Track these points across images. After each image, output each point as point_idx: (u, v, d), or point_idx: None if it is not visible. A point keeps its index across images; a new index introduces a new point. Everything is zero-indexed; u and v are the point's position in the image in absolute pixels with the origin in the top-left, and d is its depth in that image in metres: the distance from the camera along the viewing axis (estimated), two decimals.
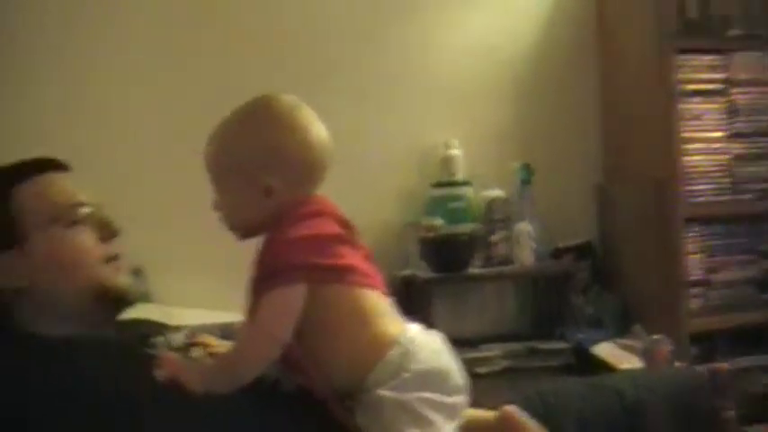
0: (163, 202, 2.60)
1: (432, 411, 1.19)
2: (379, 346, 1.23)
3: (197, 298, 2.45)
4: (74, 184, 1.38)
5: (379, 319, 1.27)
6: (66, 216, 1.33)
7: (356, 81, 2.87)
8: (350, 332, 1.25)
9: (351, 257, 1.28)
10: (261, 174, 1.27)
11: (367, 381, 1.21)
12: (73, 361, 1.19)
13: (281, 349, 1.23)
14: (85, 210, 1.35)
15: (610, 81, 3.02)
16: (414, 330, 1.28)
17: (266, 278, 1.23)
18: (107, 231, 1.38)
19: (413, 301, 2.71)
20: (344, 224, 1.33)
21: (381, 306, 1.30)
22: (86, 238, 1.34)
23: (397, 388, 1.20)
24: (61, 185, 1.37)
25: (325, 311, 1.24)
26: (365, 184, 2.83)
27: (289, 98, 1.36)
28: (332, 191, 2.75)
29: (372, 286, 1.30)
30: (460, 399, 1.26)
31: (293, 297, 1.22)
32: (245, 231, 1.32)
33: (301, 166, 1.30)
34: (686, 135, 2.73)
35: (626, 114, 2.93)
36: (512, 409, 1.33)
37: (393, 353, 1.22)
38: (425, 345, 1.26)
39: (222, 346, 1.43)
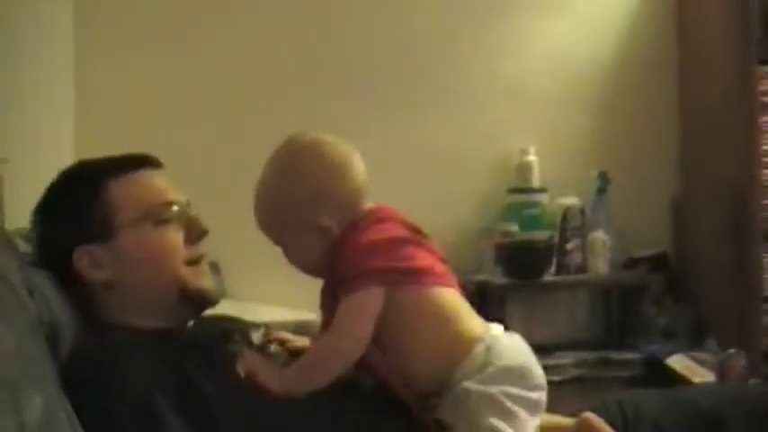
0: (239, 198, 2.68)
1: (515, 405, 1.22)
2: (464, 342, 1.26)
3: (271, 295, 2.52)
4: (165, 182, 1.40)
5: (461, 316, 1.30)
6: (157, 215, 1.34)
7: (436, 86, 2.92)
8: (432, 331, 1.28)
9: (424, 259, 1.30)
10: (315, 218, 1.32)
11: (453, 376, 1.24)
12: (159, 353, 1.22)
13: (361, 350, 1.26)
14: (175, 209, 1.36)
15: (689, 91, 2.99)
16: (496, 329, 1.31)
17: (344, 282, 1.27)
18: (195, 232, 1.38)
19: (486, 307, 2.73)
20: (412, 228, 1.35)
21: (461, 304, 1.32)
22: (174, 238, 1.35)
23: (483, 381, 1.22)
24: (154, 183, 1.38)
25: (404, 313, 1.27)
26: (442, 187, 2.88)
27: (314, 136, 1.41)
28: (409, 193, 2.83)
29: (449, 285, 1.32)
30: (542, 395, 1.28)
31: (372, 300, 1.26)
32: (319, 271, 1.36)
33: (349, 197, 1.35)
34: (766, 148, 2.69)
35: (705, 125, 2.89)
36: (591, 415, 1.35)
37: (478, 349, 1.25)
38: (508, 342, 1.29)
39: (299, 340, 1.47)
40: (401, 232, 1.32)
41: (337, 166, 1.36)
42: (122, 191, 1.34)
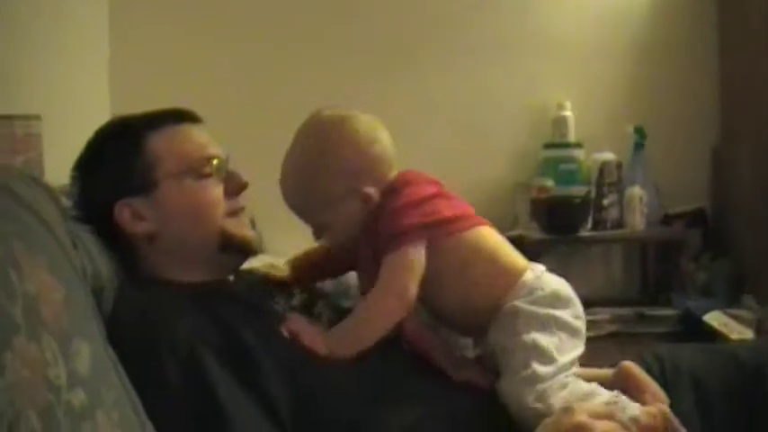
0: (274, 155, 2.70)
1: (559, 328, 1.31)
2: (514, 271, 1.36)
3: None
4: (205, 137, 1.41)
5: (506, 250, 1.41)
6: (198, 168, 1.35)
7: (471, 39, 2.88)
8: (482, 269, 1.36)
9: (456, 207, 1.39)
10: (359, 188, 1.38)
11: (504, 300, 1.33)
12: (202, 306, 1.24)
13: (407, 308, 1.30)
14: (215, 163, 1.38)
15: (728, 41, 2.92)
16: (539, 266, 1.40)
17: (384, 244, 1.31)
18: (235, 185, 1.40)
19: None
20: (437, 184, 1.43)
21: (503, 241, 1.43)
22: (216, 191, 1.37)
23: (532, 302, 1.31)
24: (195, 137, 1.39)
25: (451, 260, 1.35)
26: (477, 142, 2.87)
27: (338, 111, 1.45)
28: (445, 148, 2.82)
29: (486, 224, 1.42)
30: (583, 326, 1.36)
31: (415, 256, 1.31)
32: (351, 242, 1.41)
33: (384, 165, 1.42)
34: None
35: (744, 76, 2.83)
36: (630, 364, 1.38)
37: (526, 277, 1.35)
38: (552, 278, 1.39)
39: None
40: (430, 190, 1.39)
41: (371, 137, 1.42)
42: (163, 144, 1.36)
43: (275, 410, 1.16)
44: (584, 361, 1.36)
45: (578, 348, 1.33)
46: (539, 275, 1.36)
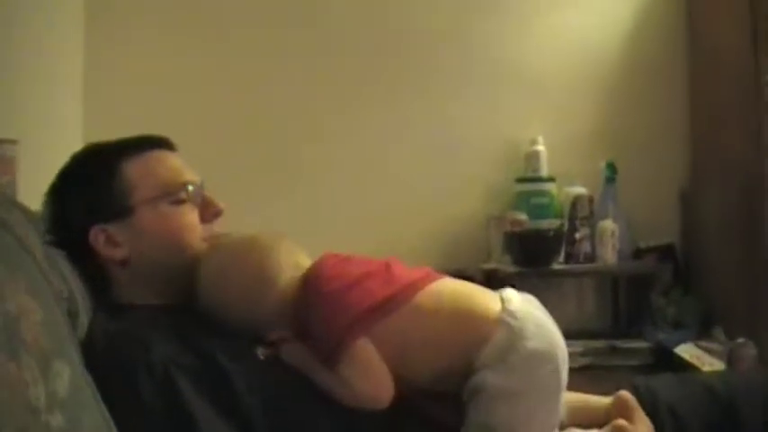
0: (248, 176, 2.71)
1: (533, 399, 1.20)
2: (482, 331, 1.22)
3: None
4: (180, 163, 1.40)
5: (469, 305, 1.26)
6: (173, 193, 1.35)
7: (447, 76, 2.91)
8: (444, 332, 1.24)
9: (390, 278, 1.27)
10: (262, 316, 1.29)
11: (475, 364, 1.21)
12: (177, 330, 1.23)
13: (389, 398, 1.22)
14: (191, 188, 1.37)
15: (698, 81, 2.98)
16: (509, 295, 1.29)
17: (328, 354, 1.22)
18: (211, 211, 1.40)
19: None
20: (349, 258, 1.32)
21: (460, 290, 1.29)
22: (191, 216, 1.36)
23: (504, 372, 1.19)
24: (170, 163, 1.39)
25: (407, 335, 1.24)
26: (450, 176, 2.89)
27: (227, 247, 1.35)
28: (417, 183, 2.83)
29: (433, 280, 1.29)
30: (564, 374, 1.25)
31: (363, 354, 1.22)
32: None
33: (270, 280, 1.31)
34: None
35: (714, 115, 2.88)
36: (627, 394, 1.35)
37: (498, 337, 1.21)
38: (525, 312, 1.26)
39: None
40: (355, 270, 1.28)
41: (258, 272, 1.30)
42: (138, 170, 1.35)
43: None
44: None
45: (553, 414, 1.24)
46: (513, 327, 1.22)
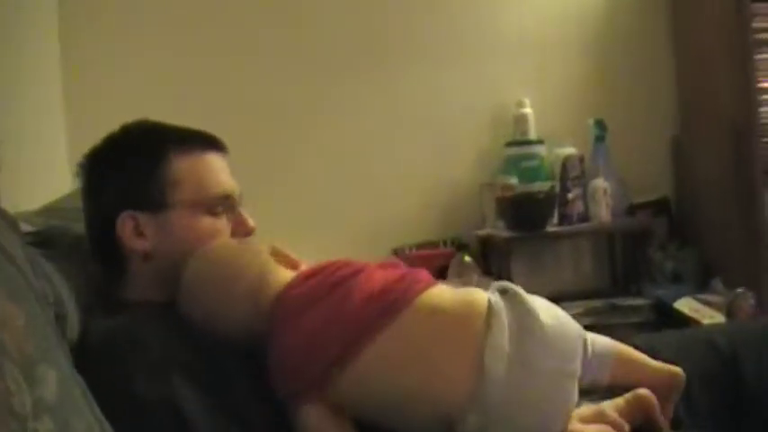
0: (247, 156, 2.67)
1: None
2: (459, 378, 1.11)
3: None
4: (226, 172, 1.38)
5: (442, 340, 1.14)
6: (212, 204, 1.33)
7: (428, 43, 2.89)
8: (416, 378, 1.13)
9: (352, 321, 1.15)
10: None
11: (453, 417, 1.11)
12: (180, 330, 1.21)
13: None
14: (228, 203, 1.36)
15: (683, 32, 2.95)
16: (497, 308, 1.15)
17: (283, 398, 1.16)
18: (241, 229, 1.37)
19: (491, 261, 2.73)
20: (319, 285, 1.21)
21: (432, 336, 1.15)
22: (221, 230, 1.34)
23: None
24: (217, 171, 1.36)
25: (370, 386, 1.15)
26: (440, 144, 2.88)
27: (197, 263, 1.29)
28: (407, 151, 2.81)
29: (400, 307, 1.16)
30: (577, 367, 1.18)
31: (309, 422, 1.14)
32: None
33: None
34: (763, 85, 2.66)
35: (701, 65, 2.87)
36: (646, 392, 1.28)
37: (472, 420, 1.10)
38: (512, 397, 1.11)
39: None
40: (313, 317, 1.17)
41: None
42: (186, 168, 1.33)
43: None
44: None
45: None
46: (489, 418, 1.09)
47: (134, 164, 1.33)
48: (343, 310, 1.16)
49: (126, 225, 1.30)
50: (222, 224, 1.35)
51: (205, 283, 1.25)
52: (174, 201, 1.31)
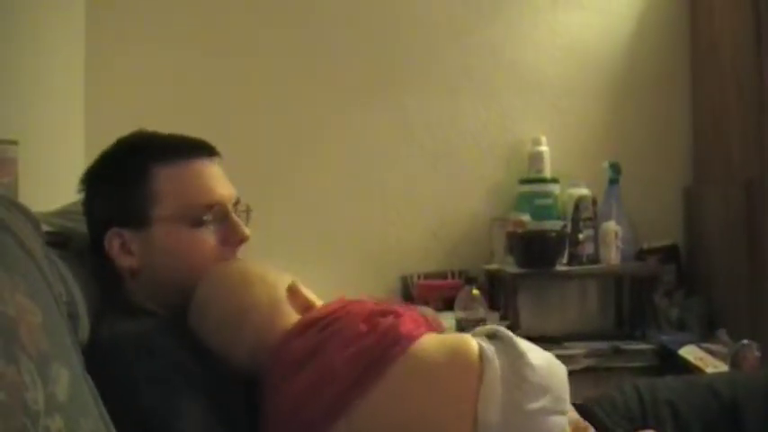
0: (248, 184, 2.69)
1: None
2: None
3: None
4: (214, 179, 1.35)
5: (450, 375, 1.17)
6: (195, 216, 1.31)
7: (450, 76, 2.91)
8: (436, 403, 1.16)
9: (344, 372, 1.16)
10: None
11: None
12: (185, 338, 1.24)
13: None
14: (215, 210, 1.33)
15: (700, 80, 2.97)
16: (489, 354, 1.17)
17: None
18: (235, 237, 1.35)
19: (497, 295, 2.73)
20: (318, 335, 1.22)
21: (428, 373, 1.17)
22: (208, 241, 1.32)
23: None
24: (201, 179, 1.33)
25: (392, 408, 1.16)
26: (454, 177, 2.89)
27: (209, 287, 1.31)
28: (421, 183, 2.82)
29: (396, 354, 1.17)
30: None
31: None
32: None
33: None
34: None
35: (717, 115, 2.87)
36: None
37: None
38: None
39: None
40: (308, 377, 1.18)
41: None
42: (169, 180, 1.31)
43: None
44: None
45: None
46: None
47: (118, 180, 1.33)
48: (333, 367, 1.16)
49: (113, 243, 1.31)
50: (206, 235, 1.32)
51: (213, 309, 1.26)
52: (156, 217, 1.30)
